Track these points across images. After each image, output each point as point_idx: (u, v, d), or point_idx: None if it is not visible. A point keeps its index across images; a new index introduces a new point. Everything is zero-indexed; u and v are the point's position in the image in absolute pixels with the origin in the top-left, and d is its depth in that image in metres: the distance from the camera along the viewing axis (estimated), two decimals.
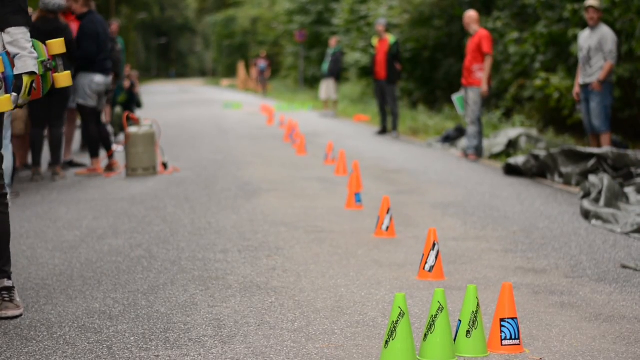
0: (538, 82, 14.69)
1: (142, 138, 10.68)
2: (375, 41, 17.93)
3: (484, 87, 12.92)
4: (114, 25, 15.21)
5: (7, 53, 4.63)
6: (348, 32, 31.00)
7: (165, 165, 11.10)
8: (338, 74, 24.57)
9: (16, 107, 4.62)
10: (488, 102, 18.37)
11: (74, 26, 10.92)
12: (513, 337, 4.12)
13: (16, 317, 4.63)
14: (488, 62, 12.97)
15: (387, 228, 7.00)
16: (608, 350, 4.20)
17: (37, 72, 4.63)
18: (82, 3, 10.83)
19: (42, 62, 4.74)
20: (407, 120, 19.39)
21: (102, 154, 11.65)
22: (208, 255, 6.24)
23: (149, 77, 79.55)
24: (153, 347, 4.17)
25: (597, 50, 11.09)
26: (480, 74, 12.99)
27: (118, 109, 15.47)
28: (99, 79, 10.78)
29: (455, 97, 13.51)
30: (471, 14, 13.41)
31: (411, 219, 7.86)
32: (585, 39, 11.30)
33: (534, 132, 14.04)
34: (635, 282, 5.62)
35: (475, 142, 13.12)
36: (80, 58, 10.55)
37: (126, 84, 16.33)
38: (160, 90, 47.43)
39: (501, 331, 4.12)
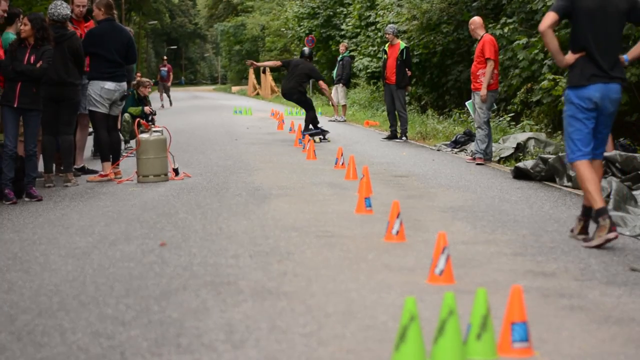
0: (545, 83, 14.68)
1: (153, 144, 10.73)
2: (387, 46, 18.06)
3: (483, 92, 12.96)
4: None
5: None
6: (355, 37, 31.01)
7: (176, 172, 11.14)
8: (348, 79, 24.62)
9: None
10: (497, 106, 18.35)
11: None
12: (523, 340, 4.14)
13: None
14: (489, 67, 12.97)
15: (397, 232, 7.02)
16: (618, 353, 4.21)
17: None
18: (103, 11, 10.94)
19: None
20: (417, 124, 19.39)
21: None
22: (219, 261, 6.26)
23: None
24: (165, 353, 4.20)
25: None
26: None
27: (126, 116, 15.51)
28: (109, 85, 10.84)
29: (468, 103, 13.59)
30: (475, 20, 13.46)
31: (421, 223, 7.88)
32: None
33: (542, 135, 14.04)
34: None
35: (483, 145, 13.13)
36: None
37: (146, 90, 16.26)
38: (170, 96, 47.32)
39: (511, 334, 4.14)
